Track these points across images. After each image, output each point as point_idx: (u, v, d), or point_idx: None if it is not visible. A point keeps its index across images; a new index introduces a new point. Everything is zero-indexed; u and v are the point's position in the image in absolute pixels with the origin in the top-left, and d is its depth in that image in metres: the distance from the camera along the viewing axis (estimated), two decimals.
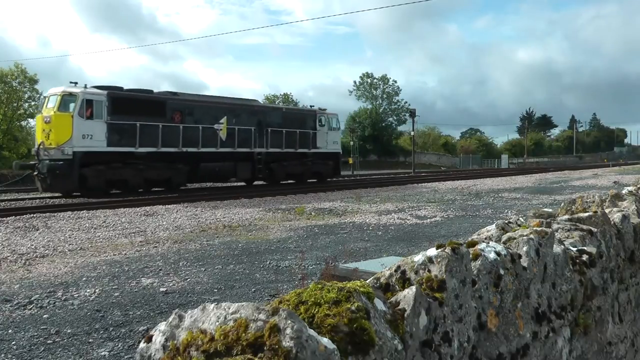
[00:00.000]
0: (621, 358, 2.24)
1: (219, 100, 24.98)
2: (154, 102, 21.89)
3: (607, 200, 2.88)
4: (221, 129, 23.67)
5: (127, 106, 20.66)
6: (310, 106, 29.81)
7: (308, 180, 27.45)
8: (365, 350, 0.96)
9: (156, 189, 21.87)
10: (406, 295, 1.13)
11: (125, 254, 8.66)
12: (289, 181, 26.83)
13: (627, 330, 2.34)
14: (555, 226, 2.09)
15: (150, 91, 22.81)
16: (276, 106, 28.42)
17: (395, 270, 1.27)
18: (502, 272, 1.43)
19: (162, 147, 21.53)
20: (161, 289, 6.39)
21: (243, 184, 26.32)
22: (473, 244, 1.47)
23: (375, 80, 76.28)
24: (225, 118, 23.84)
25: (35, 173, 19.88)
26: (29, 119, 41.08)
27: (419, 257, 1.28)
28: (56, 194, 19.99)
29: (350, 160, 48.43)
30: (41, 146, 19.81)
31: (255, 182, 26.07)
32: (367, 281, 1.21)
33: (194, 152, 22.52)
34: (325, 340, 0.90)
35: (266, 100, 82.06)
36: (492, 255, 1.43)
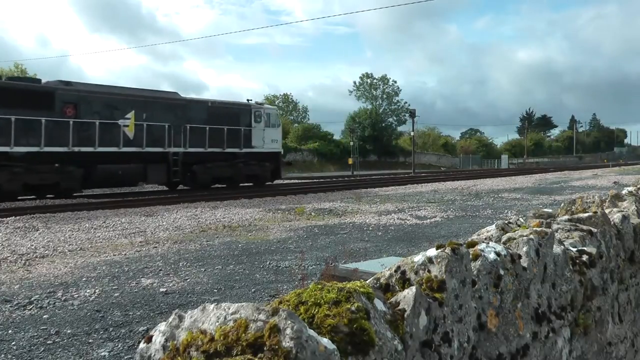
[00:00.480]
0: (621, 358, 2.24)
1: (125, 92, 21.50)
2: (37, 93, 18.68)
3: (607, 200, 2.88)
4: (128, 125, 20.36)
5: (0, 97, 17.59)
6: (248, 100, 26.26)
7: (241, 185, 24.31)
8: (365, 350, 0.96)
9: (49, 195, 18.80)
10: (406, 296, 1.13)
11: (125, 254, 8.66)
12: (218, 185, 23.67)
13: (627, 331, 2.34)
14: (555, 226, 2.09)
15: (39, 81, 20.10)
16: (200, 99, 24.45)
17: (395, 271, 1.27)
18: (502, 272, 1.43)
19: (46, 146, 18.19)
20: (161, 290, 6.39)
21: (160, 187, 23.37)
22: (473, 244, 1.47)
23: (375, 81, 76.43)
24: (133, 112, 20.53)
25: None
26: None
27: (418, 258, 1.28)
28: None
29: (350, 161, 48.52)
30: None
31: (180, 187, 23.22)
32: (367, 281, 1.21)
33: (89, 152, 19.22)
34: (325, 341, 0.90)
35: (266, 100, 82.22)
36: (492, 256, 1.43)
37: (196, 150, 22.46)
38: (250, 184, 24.73)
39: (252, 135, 24.62)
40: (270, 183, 25.74)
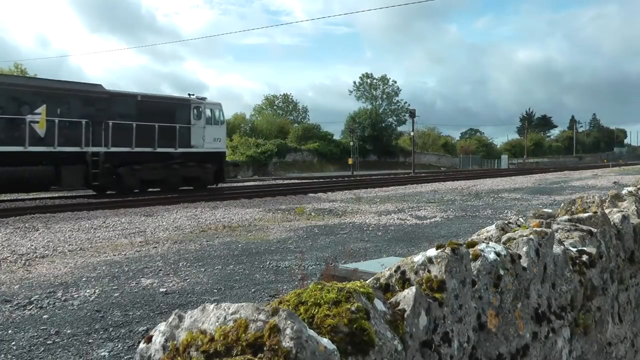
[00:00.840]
0: (621, 358, 2.24)
1: (36, 84, 18.96)
2: None
3: (607, 200, 2.87)
4: (38, 121, 17.79)
5: None
6: (189, 94, 23.31)
7: (180, 188, 21.78)
8: (365, 350, 0.96)
9: None
10: (406, 296, 1.13)
11: (125, 254, 8.66)
12: (152, 189, 21.26)
13: (627, 331, 2.34)
14: (555, 226, 2.09)
15: None
16: (127, 93, 21.46)
17: (395, 271, 1.27)
18: (502, 272, 1.43)
19: None
20: (161, 290, 6.39)
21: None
22: (473, 244, 1.47)
23: (375, 81, 76.42)
24: (45, 107, 17.98)
25: None
26: None
27: (418, 258, 1.28)
28: (56, 194, 19.97)
29: (350, 161, 48.52)
30: None
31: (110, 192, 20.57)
32: (367, 282, 1.21)
33: None
34: (325, 341, 0.90)
35: (265, 100, 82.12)
36: (492, 256, 1.43)
37: (121, 150, 19.88)
38: (190, 187, 22.40)
39: (191, 134, 22.22)
40: (213, 186, 23.30)
